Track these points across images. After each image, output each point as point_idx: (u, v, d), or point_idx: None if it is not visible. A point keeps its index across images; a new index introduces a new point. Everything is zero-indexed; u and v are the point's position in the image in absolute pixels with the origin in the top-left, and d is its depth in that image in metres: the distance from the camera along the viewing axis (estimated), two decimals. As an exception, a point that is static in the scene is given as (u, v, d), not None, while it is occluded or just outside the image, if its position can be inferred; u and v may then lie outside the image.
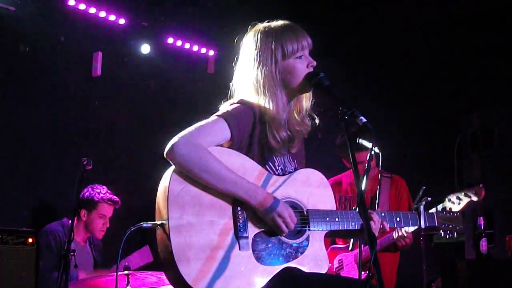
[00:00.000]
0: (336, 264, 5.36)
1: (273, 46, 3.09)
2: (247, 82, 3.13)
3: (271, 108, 3.06)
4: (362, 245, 4.78)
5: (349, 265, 5.33)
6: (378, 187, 5.31)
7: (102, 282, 5.09)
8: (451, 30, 6.70)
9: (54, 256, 5.39)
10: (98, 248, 5.99)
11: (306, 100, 3.23)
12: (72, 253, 4.60)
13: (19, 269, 4.55)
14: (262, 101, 3.08)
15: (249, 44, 3.16)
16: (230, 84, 3.27)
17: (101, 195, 5.75)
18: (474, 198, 4.29)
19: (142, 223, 3.02)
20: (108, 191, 5.83)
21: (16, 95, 6.38)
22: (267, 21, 3.21)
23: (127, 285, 4.92)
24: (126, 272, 4.91)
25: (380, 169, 5.29)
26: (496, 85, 6.11)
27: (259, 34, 3.14)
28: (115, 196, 5.84)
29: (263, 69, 3.08)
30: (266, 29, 3.15)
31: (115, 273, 4.90)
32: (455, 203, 4.23)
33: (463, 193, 4.23)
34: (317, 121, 3.26)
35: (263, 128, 3.07)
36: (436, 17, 6.77)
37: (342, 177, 5.65)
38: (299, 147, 3.28)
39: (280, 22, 3.18)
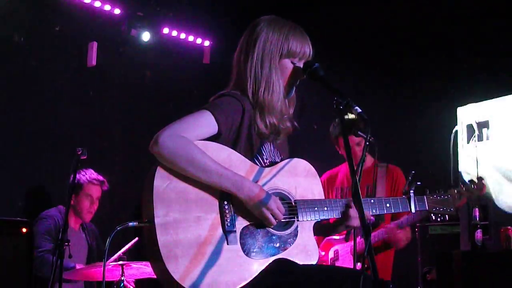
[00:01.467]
0: (331, 255, 5.36)
1: (283, 39, 3.11)
2: (250, 66, 3.11)
3: (272, 95, 3.07)
4: (358, 237, 4.78)
5: (345, 256, 5.32)
6: (374, 177, 5.30)
7: (95, 271, 5.09)
8: (447, 20, 6.68)
9: (53, 239, 5.40)
10: (94, 234, 5.97)
11: (290, 105, 3.24)
12: (66, 243, 4.60)
13: (13, 258, 4.56)
14: (262, 88, 3.07)
15: (259, 31, 3.14)
16: (232, 59, 3.24)
17: (86, 176, 5.76)
18: (475, 193, 4.27)
19: (128, 222, 3.01)
20: (94, 172, 5.83)
21: (10, 85, 6.35)
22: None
23: (122, 275, 4.93)
24: (120, 262, 4.92)
25: (376, 159, 5.28)
26: (492, 76, 6.11)
27: (273, 24, 3.15)
28: (100, 176, 5.83)
29: (271, 58, 3.10)
30: (280, 23, 3.17)
31: (110, 264, 4.94)
32: (456, 197, 4.20)
33: (464, 188, 4.21)
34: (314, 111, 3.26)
35: (253, 117, 3.06)
36: (433, 6, 6.75)
37: (338, 170, 5.63)
38: (283, 140, 3.27)
39: (293, 23, 3.20)
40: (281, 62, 3.12)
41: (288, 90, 3.17)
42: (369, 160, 5.41)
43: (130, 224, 2.99)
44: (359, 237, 4.78)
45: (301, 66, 3.16)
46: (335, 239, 5.44)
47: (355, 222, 3.13)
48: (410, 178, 3.81)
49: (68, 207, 4.81)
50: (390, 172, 5.44)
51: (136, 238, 5.43)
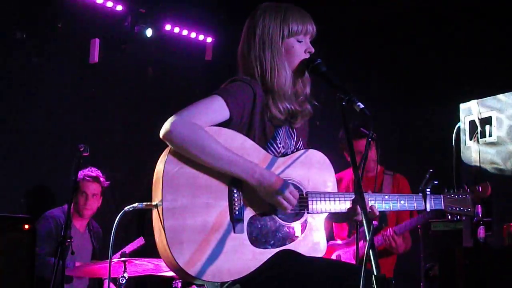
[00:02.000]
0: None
1: (281, 22, 3.10)
2: (254, 55, 3.11)
3: (278, 79, 3.06)
4: (361, 242, 4.76)
5: (347, 260, 5.31)
6: (380, 184, 5.31)
7: (98, 268, 5.09)
8: (449, 16, 6.67)
9: (54, 242, 5.41)
10: (98, 235, 5.99)
11: (305, 85, 3.21)
12: (69, 240, 4.60)
13: (16, 255, 4.56)
14: (268, 73, 3.07)
15: (257, 20, 3.14)
16: (236, 55, 3.24)
17: (82, 173, 5.76)
18: (480, 195, 4.25)
19: (136, 204, 3.01)
20: (92, 169, 5.83)
21: (13, 82, 6.36)
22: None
23: (124, 271, 4.93)
24: (123, 259, 4.92)
25: (378, 158, 5.26)
26: (495, 72, 6.09)
27: (268, 10, 3.15)
28: (94, 172, 5.83)
29: (272, 43, 3.09)
30: (276, 7, 3.16)
31: (112, 260, 4.93)
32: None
33: (468, 190, 4.20)
34: (317, 106, 3.23)
35: (265, 101, 3.05)
36: (435, 3, 6.74)
37: (343, 175, 5.59)
38: (303, 124, 3.25)
39: (289, 4, 3.19)
40: (286, 43, 3.10)
41: (301, 69, 3.13)
42: (378, 167, 5.39)
43: (138, 205, 2.99)
44: (362, 241, 4.77)
45: (308, 42, 3.15)
46: (338, 244, 5.43)
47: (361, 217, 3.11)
48: (427, 176, 3.79)
49: (70, 205, 4.82)
50: (396, 180, 5.44)
51: (141, 239, 5.45)
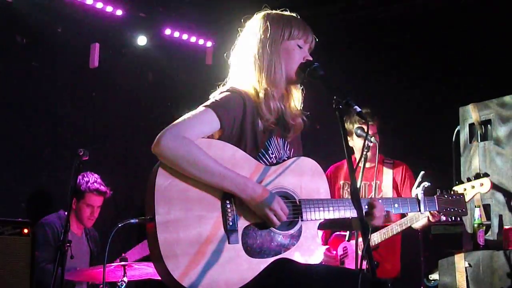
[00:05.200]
0: (340, 251, 5.33)
1: (283, 25, 3.11)
2: (252, 53, 3.12)
3: (273, 77, 3.06)
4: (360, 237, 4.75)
5: (354, 253, 5.29)
6: (381, 173, 5.29)
7: (97, 272, 5.09)
8: (450, 21, 6.68)
9: (52, 248, 5.40)
10: (95, 239, 5.99)
11: (296, 100, 3.22)
12: (68, 244, 4.59)
13: (15, 259, 4.57)
14: (264, 71, 3.07)
15: (257, 23, 3.16)
16: (229, 61, 3.26)
17: (89, 184, 5.73)
18: (481, 190, 4.26)
19: (129, 220, 3.00)
20: (98, 180, 5.80)
21: (13, 86, 6.36)
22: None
23: (124, 275, 4.93)
24: (122, 263, 4.92)
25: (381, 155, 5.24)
26: (494, 76, 6.10)
27: (270, 16, 3.16)
28: (103, 187, 5.81)
29: (271, 42, 3.09)
30: (278, 14, 3.19)
31: (112, 264, 4.94)
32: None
33: (470, 185, 4.19)
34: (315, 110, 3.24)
35: (256, 109, 3.04)
36: (435, 6, 6.75)
37: (345, 162, 5.59)
38: (295, 137, 3.26)
39: (292, 15, 3.22)
40: (286, 44, 3.11)
41: (298, 73, 3.12)
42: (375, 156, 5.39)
43: (132, 221, 2.99)
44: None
45: (307, 51, 3.15)
46: (343, 234, 5.40)
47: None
48: (419, 178, 3.77)
49: (69, 210, 4.81)
50: (397, 167, 5.43)
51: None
